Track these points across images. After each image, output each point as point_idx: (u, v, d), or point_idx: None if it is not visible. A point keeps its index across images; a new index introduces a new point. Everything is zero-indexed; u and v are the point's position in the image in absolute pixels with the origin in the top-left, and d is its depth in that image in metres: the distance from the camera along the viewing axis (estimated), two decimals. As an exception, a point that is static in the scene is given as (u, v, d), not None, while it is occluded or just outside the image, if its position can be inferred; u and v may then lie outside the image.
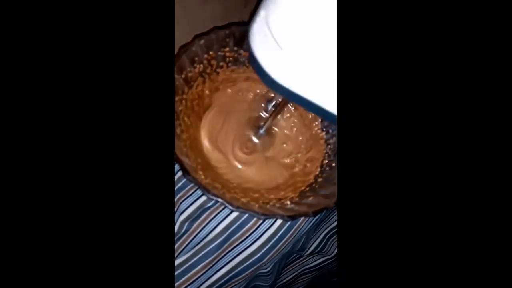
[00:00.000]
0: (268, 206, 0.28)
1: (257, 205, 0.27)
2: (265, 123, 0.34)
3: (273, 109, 0.35)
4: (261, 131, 0.35)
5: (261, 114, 0.37)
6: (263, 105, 0.38)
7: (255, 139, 0.35)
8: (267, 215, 0.24)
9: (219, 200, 0.24)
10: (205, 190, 0.24)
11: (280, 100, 0.34)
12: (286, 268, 0.42)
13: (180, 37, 0.40)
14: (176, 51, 0.39)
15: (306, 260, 0.43)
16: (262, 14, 0.20)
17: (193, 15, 0.42)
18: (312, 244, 0.41)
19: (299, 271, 0.43)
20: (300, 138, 0.37)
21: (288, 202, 0.29)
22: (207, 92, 0.35)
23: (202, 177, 0.27)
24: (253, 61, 0.22)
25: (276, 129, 0.37)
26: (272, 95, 0.37)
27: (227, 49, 0.34)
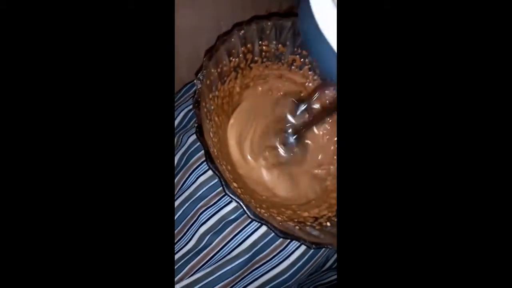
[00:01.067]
0: (307, 228, 0.24)
1: (297, 227, 0.24)
2: (296, 131, 0.30)
3: (306, 114, 0.32)
4: (291, 139, 0.31)
5: (288, 117, 0.33)
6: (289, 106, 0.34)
7: (282, 152, 0.31)
8: (317, 244, 0.21)
9: (263, 223, 0.20)
10: (247, 208, 0.21)
11: (317, 105, 0.31)
12: (300, 284, 0.39)
13: (207, 25, 0.36)
14: (202, 39, 0.35)
15: (321, 276, 0.40)
16: None
17: (221, 4, 0.37)
18: (329, 261, 0.39)
19: (312, 286, 0.41)
20: (332, 148, 0.34)
21: (328, 224, 0.26)
22: (237, 89, 0.31)
23: (239, 190, 0.23)
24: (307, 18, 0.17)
25: (309, 141, 0.33)
26: (302, 95, 0.33)
27: (266, 42, 0.30)
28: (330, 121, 0.35)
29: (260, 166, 0.30)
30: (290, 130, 0.30)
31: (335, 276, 0.40)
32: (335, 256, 0.39)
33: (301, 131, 0.29)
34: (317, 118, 0.27)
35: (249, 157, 0.30)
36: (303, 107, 0.32)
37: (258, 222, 0.21)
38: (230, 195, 0.21)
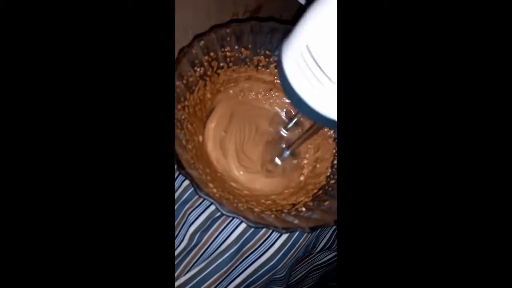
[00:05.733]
0: (283, 215, 0.27)
1: (272, 215, 0.26)
2: (289, 146, 0.32)
3: (295, 128, 0.34)
4: (285, 154, 0.33)
5: (281, 132, 0.35)
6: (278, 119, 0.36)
7: (278, 161, 0.33)
8: (287, 229, 0.23)
9: (236, 217, 0.23)
10: (221, 207, 0.23)
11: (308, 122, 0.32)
12: (296, 267, 0.41)
13: (175, 36, 0.38)
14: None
15: (316, 257, 0.43)
16: (302, 42, 0.18)
17: (185, 11, 0.39)
18: (321, 242, 0.41)
19: (309, 268, 0.43)
20: (307, 138, 0.36)
21: (303, 208, 0.28)
22: (208, 95, 0.33)
23: (214, 190, 0.25)
24: (289, 91, 0.20)
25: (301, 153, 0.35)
26: (294, 113, 0.35)
27: (228, 48, 0.32)
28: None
29: (240, 164, 0.32)
30: (284, 145, 0.33)
31: (330, 256, 0.43)
32: (327, 237, 0.42)
33: (295, 146, 0.32)
34: (309, 133, 0.29)
35: (226, 160, 0.32)
36: (293, 121, 0.34)
37: (232, 216, 0.23)
38: (203, 196, 0.23)
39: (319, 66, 0.18)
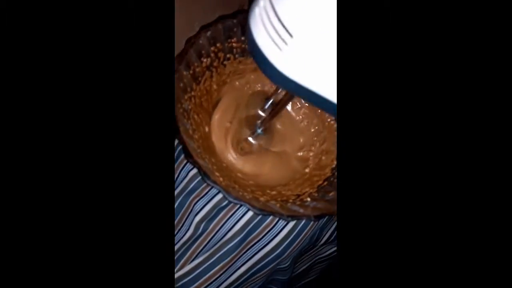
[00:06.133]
0: (288, 204, 0.27)
1: (278, 205, 0.26)
2: (262, 122, 0.32)
3: (271, 108, 0.34)
4: (258, 131, 0.33)
5: (259, 112, 0.34)
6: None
7: (251, 140, 0.33)
8: (293, 217, 0.24)
9: (242, 203, 0.23)
10: (227, 194, 0.23)
11: (280, 98, 0.32)
12: (300, 258, 0.42)
13: (181, 28, 0.38)
14: (176, 43, 0.37)
15: (320, 250, 0.43)
16: None
17: (192, 5, 0.39)
18: (325, 235, 0.41)
19: (313, 260, 0.43)
20: (312, 130, 0.36)
21: (308, 199, 0.28)
22: (214, 86, 0.33)
23: (221, 179, 0.26)
24: (254, 51, 0.19)
25: (278, 126, 0.35)
26: (270, 91, 0.34)
27: (234, 39, 0.32)
28: (307, 105, 0.37)
29: (240, 156, 0.32)
30: (259, 122, 0.32)
31: (333, 249, 0.43)
32: (330, 230, 0.42)
33: (266, 121, 0.31)
34: (277, 108, 0.29)
35: (231, 151, 0.32)
36: (270, 101, 0.33)
37: (238, 203, 0.23)
38: (211, 183, 0.23)
39: (280, 21, 0.17)
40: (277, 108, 0.28)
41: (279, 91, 0.29)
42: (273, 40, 0.18)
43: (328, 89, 0.19)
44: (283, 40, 0.17)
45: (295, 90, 0.20)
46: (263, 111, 0.32)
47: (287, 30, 0.17)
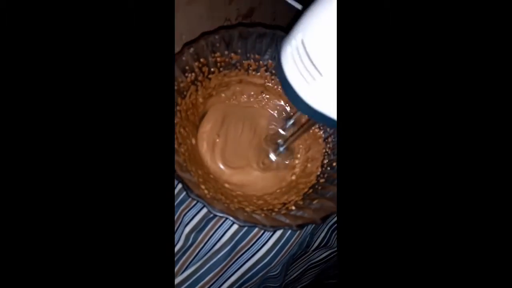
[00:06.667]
0: (273, 214, 0.27)
1: (263, 214, 0.27)
2: (285, 141, 0.33)
3: (292, 127, 0.35)
4: (281, 149, 0.34)
5: (279, 130, 0.36)
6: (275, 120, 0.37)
7: (272, 157, 0.34)
8: (275, 227, 0.24)
9: (226, 216, 0.24)
10: (211, 207, 0.24)
11: (304, 120, 0.33)
12: (293, 265, 0.42)
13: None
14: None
15: (312, 255, 0.43)
16: (298, 38, 0.20)
17: (177, 16, 0.40)
18: (317, 240, 0.42)
19: (305, 266, 0.44)
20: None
21: (293, 207, 0.29)
22: (200, 100, 0.34)
23: (206, 191, 0.26)
24: (285, 86, 0.22)
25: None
26: (292, 113, 0.36)
27: (218, 54, 0.33)
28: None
29: (228, 168, 0.33)
30: (280, 141, 0.34)
31: (326, 253, 0.44)
32: (322, 235, 0.43)
33: (291, 141, 0.33)
34: (303, 129, 0.31)
35: (219, 162, 0.33)
36: (291, 121, 0.35)
37: (223, 216, 0.24)
38: (194, 197, 0.24)
39: (311, 60, 0.19)
40: (303, 129, 0.30)
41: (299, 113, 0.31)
42: (303, 77, 0.20)
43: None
44: (312, 77, 0.19)
45: (319, 118, 0.22)
46: (284, 129, 0.34)
47: (317, 69, 0.19)
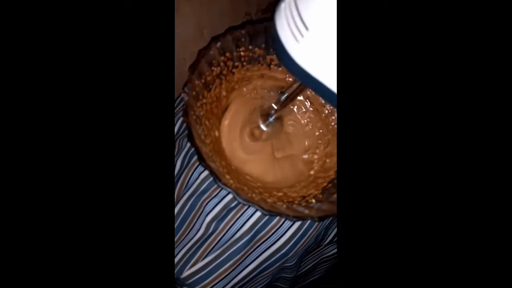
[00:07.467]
0: (294, 206, 0.28)
1: (284, 206, 0.28)
2: (275, 111, 0.33)
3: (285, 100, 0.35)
4: (270, 119, 0.34)
5: (273, 105, 0.36)
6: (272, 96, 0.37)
7: (263, 127, 0.35)
8: (298, 217, 0.25)
9: (251, 204, 0.25)
10: (237, 195, 0.25)
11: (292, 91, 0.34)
12: (306, 258, 0.43)
13: (191, 35, 0.40)
14: (186, 48, 0.39)
15: (324, 250, 0.44)
16: None
17: (200, 12, 0.41)
18: (330, 235, 0.43)
19: (317, 260, 0.45)
20: (317, 133, 0.38)
21: (313, 200, 0.30)
22: (224, 93, 0.35)
23: (231, 181, 0.27)
24: (276, 41, 0.21)
25: (285, 129, 0.37)
26: (283, 89, 0.36)
27: (242, 48, 0.34)
28: (312, 110, 0.39)
29: (249, 157, 0.34)
30: (272, 112, 0.34)
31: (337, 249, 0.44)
32: (336, 230, 0.43)
33: (279, 109, 0.33)
34: (290, 97, 0.31)
35: (239, 153, 0.34)
36: (285, 95, 0.35)
37: (248, 204, 0.25)
38: (222, 185, 0.25)
39: (299, 14, 0.19)
40: (290, 97, 0.30)
41: (293, 86, 0.31)
42: (292, 32, 0.20)
43: (333, 81, 0.21)
44: (300, 32, 0.19)
45: (305, 80, 0.21)
46: (277, 104, 0.34)
47: (304, 23, 0.19)
